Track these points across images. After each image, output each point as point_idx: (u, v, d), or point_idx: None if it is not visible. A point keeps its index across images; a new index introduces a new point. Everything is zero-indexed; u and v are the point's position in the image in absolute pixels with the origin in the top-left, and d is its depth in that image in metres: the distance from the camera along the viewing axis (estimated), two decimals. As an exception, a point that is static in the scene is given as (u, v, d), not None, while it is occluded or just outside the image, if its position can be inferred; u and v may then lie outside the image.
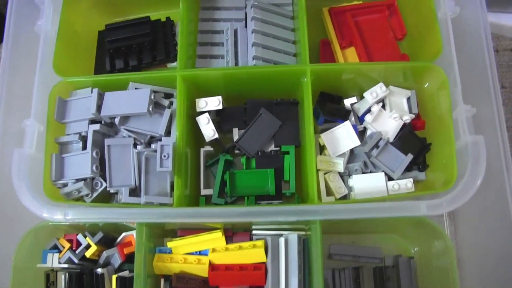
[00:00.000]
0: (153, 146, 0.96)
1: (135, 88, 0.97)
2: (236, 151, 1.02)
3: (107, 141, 0.93)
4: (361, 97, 1.01)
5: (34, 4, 1.01)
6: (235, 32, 1.06)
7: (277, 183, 0.96)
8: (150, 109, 0.93)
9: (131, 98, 0.95)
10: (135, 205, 0.91)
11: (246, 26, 1.08)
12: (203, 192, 0.99)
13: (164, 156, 0.88)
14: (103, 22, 1.15)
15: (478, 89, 0.97)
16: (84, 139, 0.96)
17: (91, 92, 0.97)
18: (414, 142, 0.96)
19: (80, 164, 0.93)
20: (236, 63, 1.03)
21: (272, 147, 1.00)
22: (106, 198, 0.98)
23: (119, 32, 1.08)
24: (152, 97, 0.94)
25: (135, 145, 0.95)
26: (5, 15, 1.05)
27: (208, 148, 1.01)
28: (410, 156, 0.93)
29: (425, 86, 0.99)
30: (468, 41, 1.00)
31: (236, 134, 1.01)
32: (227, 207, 0.95)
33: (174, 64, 1.11)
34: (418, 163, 0.96)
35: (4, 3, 1.08)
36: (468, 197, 0.81)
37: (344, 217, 0.83)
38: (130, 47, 1.08)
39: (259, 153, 0.99)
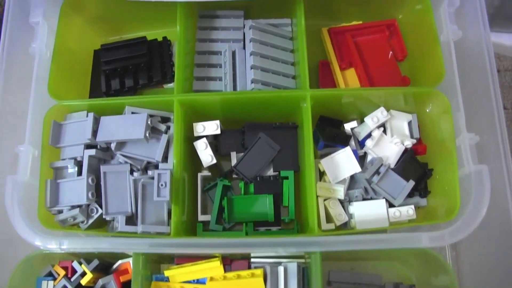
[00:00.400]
0: (150, 172, 0.93)
1: (132, 112, 0.95)
2: (234, 176, 1.00)
3: (103, 168, 0.91)
4: (361, 121, 1.00)
5: (28, 24, 1.00)
6: (233, 53, 1.04)
7: (276, 209, 0.94)
8: (147, 134, 0.91)
9: (127, 123, 0.93)
10: (131, 234, 0.89)
11: (244, 47, 1.07)
12: (201, 218, 0.97)
13: (162, 185, 0.86)
14: (99, 40, 1.14)
15: (481, 115, 0.95)
16: (79, 164, 0.94)
17: (87, 116, 0.95)
18: (415, 168, 0.95)
19: (75, 190, 0.91)
20: (235, 86, 1.02)
21: (271, 172, 0.98)
22: (102, 223, 0.96)
23: (115, 52, 1.06)
24: (149, 122, 0.92)
25: (131, 171, 0.93)
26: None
27: (206, 172, 0.99)
28: (411, 183, 0.91)
29: (427, 110, 0.98)
30: (470, 64, 0.98)
31: (234, 158, 0.99)
32: (225, 238, 0.93)
33: (171, 85, 1.09)
34: (420, 189, 0.95)
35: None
36: (471, 230, 0.79)
37: (345, 248, 0.81)
38: (126, 68, 1.06)
39: (258, 178, 0.97)
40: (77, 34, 1.09)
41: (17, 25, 1.03)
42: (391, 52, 1.09)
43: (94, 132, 0.93)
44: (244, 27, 1.09)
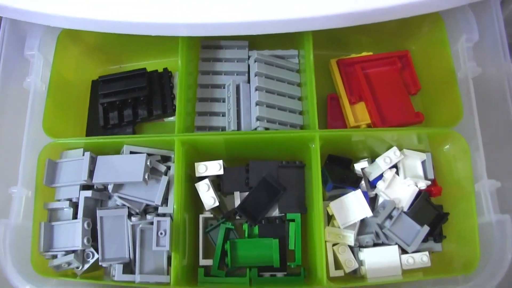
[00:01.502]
0: (149, 217, 0.89)
1: (130, 152, 0.91)
2: (238, 217, 0.95)
3: (99, 213, 0.87)
4: (372, 159, 0.95)
5: (23, 57, 0.96)
6: (238, 87, 1.00)
7: (282, 254, 0.89)
8: (146, 176, 0.87)
9: (125, 164, 0.88)
10: (129, 284, 0.84)
11: (248, 81, 1.02)
12: (202, 262, 0.92)
13: (161, 233, 0.81)
14: (97, 70, 1.11)
15: (503, 158, 0.90)
16: (75, 205, 0.90)
17: (83, 154, 0.90)
18: (430, 211, 0.90)
19: (70, 234, 0.86)
20: (239, 123, 0.97)
21: (276, 213, 0.93)
22: (99, 266, 0.90)
23: (113, 85, 1.02)
24: (148, 163, 0.88)
25: (129, 215, 0.88)
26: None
27: (208, 214, 0.94)
28: (426, 228, 0.86)
29: (443, 149, 0.93)
30: (490, 102, 0.93)
31: (237, 197, 0.94)
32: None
33: (172, 118, 1.05)
34: (434, 234, 0.90)
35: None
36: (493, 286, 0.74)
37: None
38: (125, 101, 1.02)
39: (263, 220, 0.92)
40: (74, 65, 1.05)
41: (11, 58, 0.98)
42: (403, 86, 1.04)
43: (91, 173, 0.88)
44: (248, 58, 1.04)
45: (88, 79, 1.10)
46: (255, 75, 0.99)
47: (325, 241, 0.87)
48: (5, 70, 0.97)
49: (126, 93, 1.02)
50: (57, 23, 0.90)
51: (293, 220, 0.92)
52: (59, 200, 0.90)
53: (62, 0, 0.87)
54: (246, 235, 0.93)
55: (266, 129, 0.95)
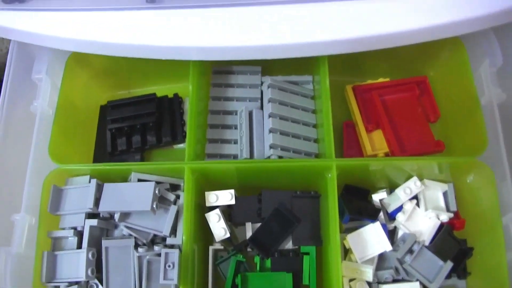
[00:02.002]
0: (156, 248, 0.84)
1: (138, 179, 0.87)
2: (249, 249, 0.91)
3: (105, 243, 0.83)
4: (390, 189, 0.91)
5: (31, 81, 0.94)
6: (250, 114, 0.97)
7: (296, 289, 0.85)
8: (154, 206, 0.83)
9: (133, 192, 0.84)
10: (135, 321, 0.80)
11: (261, 107, 0.99)
12: (212, 297, 0.88)
13: (169, 266, 0.77)
14: (105, 95, 1.08)
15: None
16: (79, 234, 0.86)
17: (89, 181, 0.87)
18: (453, 246, 0.86)
19: (74, 264, 0.82)
20: (251, 151, 0.93)
21: (290, 246, 0.89)
22: (103, 300, 0.86)
23: (121, 110, 0.99)
24: (156, 191, 0.84)
25: (136, 245, 0.84)
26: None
27: (218, 245, 0.90)
28: (450, 264, 0.82)
29: (467, 180, 0.89)
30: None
31: (249, 228, 0.90)
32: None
33: (182, 145, 1.02)
34: (458, 270, 0.85)
35: (2, 68, 0.99)
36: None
37: None
38: (134, 127, 0.99)
39: (275, 253, 0.87)
40: (82, 89, 1.03)
41: (19, 81, 0.96)
42: (422, 113, 1.00)
43: (97, 201, 0.85)
44: (261, 84, 1.01)
45: (96, 104, 1.07)
46: (269, 101, 0.95)
47: (342, 276, 0.82)
48: (12, 93, 0.95)
49: (135, 118, 0.99)
50: (66, 46, 0.88)
51: (307, 253, 0.87)
52: (63, 229, 0.87)
53: (71, 23, 0.85)
54: (257, 268, 0.89)
55: (280, 157, 0.92)
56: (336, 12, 0.82)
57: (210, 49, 0.82)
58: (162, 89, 1.06)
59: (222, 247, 0.90)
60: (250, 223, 0.90)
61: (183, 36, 0.82)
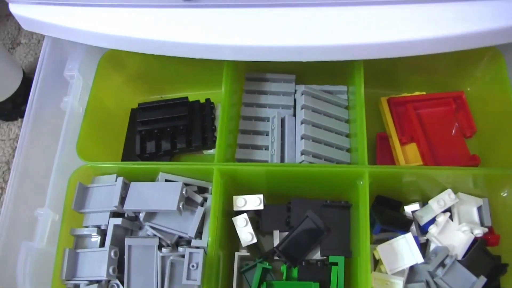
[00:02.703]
0: (180, 249, 0.83)
1: (165, 180, 0.86)
2: (276, 258, 0.89)
3: (128, 241, 0.82)
4: (423, 203, 0.88)
5: (62, 77, 0.94)
6: (282, 120, 0.95)
7: (323, 300, 0.82)
8: (181, 206, 0.81)
9: (159, 192, 0.83)
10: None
11: (294, 115, 0.97)
12: (235, 304, 0.85)
13: (193, 266, 0.75)
14: (137, 99, 1.08)
15: None
16: (103, 233, 0.85)
17: (116, 181, 0.85)
18: (486, 261, 0.83)
19: (95, 262, 0.81)
20: (282, 157, 0.92)
21: (318, 256, 0.87)
22: (124, 301, 0.85)
23: (152, 112, 0.99)
24: (183, 192, 0.82)
25: (160, 247, 0.83)
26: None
27: (244, 252, 0.88)
28: (483, 279, 0.79)
29: (502, 194, 0.86)
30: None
31: (277, 237, 0.88)
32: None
33: (212, 151, 1.00)
34: (492, 287, 0.82)
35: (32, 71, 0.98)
36: None
37: None
38: (164, 130, 0.98)
39: (303, 263, 0.85)
40: (113, 91, 1.03)
41: (51, 77, 0.96)
42: (457, 127, 0.98)
43: (122, 199, 0.84)
44: (295, 92, 1.00)
45: (127, 107, 1.07)
46: (302, 108, 0.94)
47: (371, 288, 0.80)
48: (43, 89, 0.94)
49: (166, 121, 0.99)
50: (101, 43, 0.88)
51: (336, 264, 0.85)
52: (87, 227, 0.86)
53: (107, 19, 0.85)
54: (284, 277, 0.86)
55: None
56: (372, 16, 0.80)
57: (244, 48, 0.80)
58: (195, 95, 1.05)
59: (248, 254, 0.88)
60: (278, 231, 0.88)
61: (218, 35, 0.81)
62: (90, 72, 0.96)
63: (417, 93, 1.03)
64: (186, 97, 1.00)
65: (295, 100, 1.00)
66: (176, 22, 0.83)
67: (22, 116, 1.17)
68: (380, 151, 0.99)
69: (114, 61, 0.98)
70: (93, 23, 0.85)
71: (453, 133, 0.99)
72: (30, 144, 0.90)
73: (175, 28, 0.83)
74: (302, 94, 0.95)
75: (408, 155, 0.96)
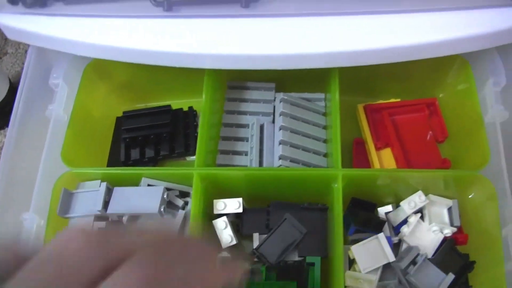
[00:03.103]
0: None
1: (148, 185, 0.89)
2: (256, 259, 0.92)
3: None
4: (396, 205, 0.92)
5: (48, 86, 0.96)
6: (261, 127, 0.98)
7: (300, 298, 0.85)
8: (162, 209, 0.84)
9: (142, 195, 0.86)
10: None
11: (273, 121, 1.00)
12: (216, 305, 0.88)
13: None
14: (122, 107, 1.10)
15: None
16: (88, 237, 0.87)
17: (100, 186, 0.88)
18: (455, 259, 0.86)
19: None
20: (261, 162, 0.95)
21: (296, 257, 0.90)
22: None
23: (136, 120, 1.01)
24: (165, 196, 0.85)
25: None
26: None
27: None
28: (451, 276, 0.82)
29: (469, 196, 0.89)
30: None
31: (256, 239, 0.91)
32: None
33: (194, 157, 1.02)
34: (460, 283, 0.85)
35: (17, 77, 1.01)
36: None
37: None
38: (148, 137, 1.01)
39: (281, 263, 0.88)
40: (98, 99, 1.05)
41: (35, 86, 0.98)
42: (430, 133, 1.02)
43: (106, 204, 0.87)
44: (275, 100, 1.03)
45: (112, 115, 1.09)
46: (280, 115, 0.97)
47: (345, 287, 0.83)
48: (27, 98, 0.96)
49: (149, 129, 1.01)
50: (85, 52, 0.90)
51: (312, 264, 0.88)
52: (71, 231, 0.88)
53: (90, 29, 0.88)
54: (263, 277, 0.89)
55: (289, 169, 0.93)
56: (346, 26, 0.84)
57: (223, 56, 0.84)
58: (179, 103, 1.08)
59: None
60: (257, 234, 0.91)
61: (198, 44, 0.84)
62: (75, 81, 0.98)
63: (392, 100, 1.06)
64: (169, 105, 1.03)
65: (274, 107, 1.03)
66: (157, 32, 0.86)
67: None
68: (357, 155, 1.02)
69: (99, 70, 1.01)
70: (76, 33, 0.87)
71: (427, 138, 1.02)
72: (16, 150, 0.93)
73: (156, 37, 0.86)
74: (280, 102, 0.98)
75: (383, 160, 0.99)
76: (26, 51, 1.18)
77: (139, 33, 0.87)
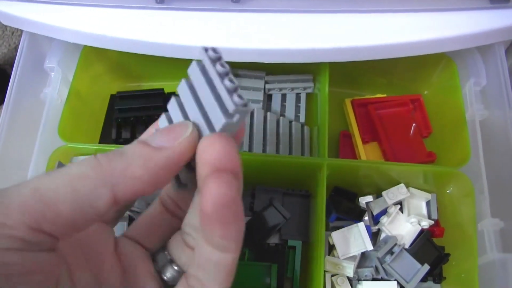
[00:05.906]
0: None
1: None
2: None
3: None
4: (377, 195, 0.95)
5: (41, 69, 0.98)
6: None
7: (279, 281, 0.88)
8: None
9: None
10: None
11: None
12: None
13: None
14: (117, 85, 1.13)
15: (505, 199, 0.88)
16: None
17: (93, 161, 0.90)
18: (431, 251, 0.89)
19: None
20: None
21: (277, 240, 0.93)
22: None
23: (129, 101, 1.04)
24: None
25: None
26: (10, 74, 0.98)
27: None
28: (426, 267, 0.85)
29: (447, 191, 0.93)
30: (495, 145, 0.92)
31: (240, 221, 0.93)
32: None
33: (184, 141, 1.05)
34: (434, 274, 0.89)
35: (10, 62, 1.02)
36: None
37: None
38: (139, 118, 1.03)
39: (263, 245, 0.91)
40: (93, 81, 1.07)
41: (30, 69, 0.99)
42: (415, 125, 1.05)
43: (97, 177, 0.88)
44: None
45: (106, 93, 1.11)
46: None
47: (324, 271, 0.86)
48: (22, 79, 0.97)
49: (141, 110, 1.03)
50: (77, 39, 0.93)
51: (294, 248, 0.91)
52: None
53: (83, 17, 0.91)
54: (246, 258, 0.92)
55: (277, 155, 0.96)
56: (336, 23, 0.87)
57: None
58: (171, 85, 1.11)
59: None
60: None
61: (188, 36, 0.87)
62: (71, 63, 1.00)
63: (378, 95, 1.09)
64: (162, 89, 1.06)
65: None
66: (148, 23, 0.89)
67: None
68: (343, 148, 1.05)
69: (95, 51, 1.01)
70: (69, 20, 0.90)
71: (411, 132, 1.05)
72: (10, 129, 0.94)
73: (147, 28, 0.89)
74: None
75: (369, 153, 1.02)
76: (13, 33, 1.19)
77: (131, 23, 0.89)
